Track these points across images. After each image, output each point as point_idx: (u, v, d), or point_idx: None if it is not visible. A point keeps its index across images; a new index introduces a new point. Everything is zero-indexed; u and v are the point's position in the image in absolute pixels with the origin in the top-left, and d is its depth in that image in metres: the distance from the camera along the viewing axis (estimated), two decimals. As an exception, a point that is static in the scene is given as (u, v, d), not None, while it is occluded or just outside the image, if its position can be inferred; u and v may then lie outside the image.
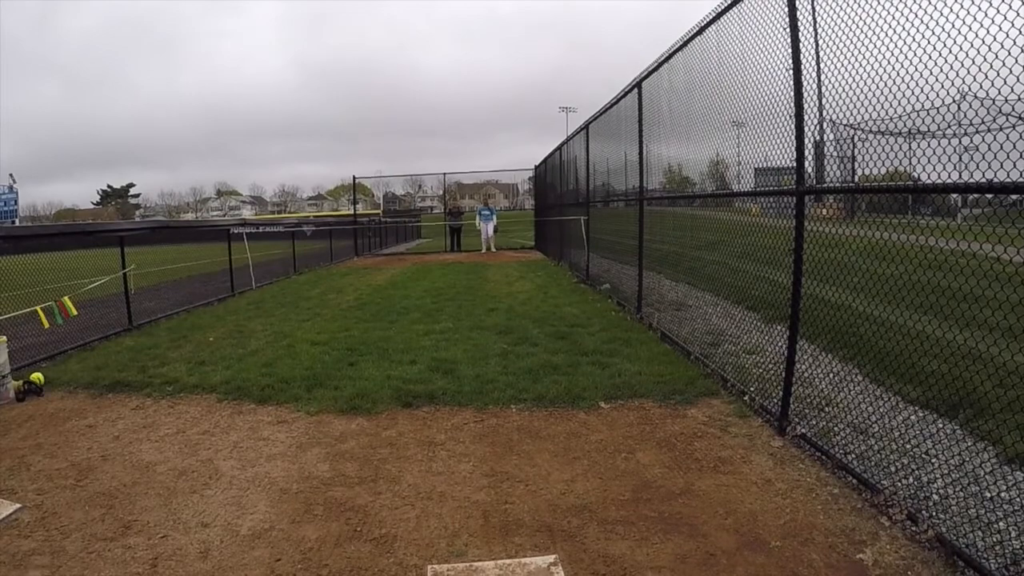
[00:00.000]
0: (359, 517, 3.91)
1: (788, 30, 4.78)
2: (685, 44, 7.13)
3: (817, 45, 4.54)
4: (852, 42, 4.00)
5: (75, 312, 8.30)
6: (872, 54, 3.78)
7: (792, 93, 4.75)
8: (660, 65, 8.15)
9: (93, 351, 8.66)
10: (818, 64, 4.53)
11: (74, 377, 7.18)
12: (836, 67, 4.20)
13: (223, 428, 5.51)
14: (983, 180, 3.08)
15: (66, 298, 8.17)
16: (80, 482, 4.53)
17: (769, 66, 5.14)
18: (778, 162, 5.23)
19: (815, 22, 4.55)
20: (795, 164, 4.78)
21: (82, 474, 4.66)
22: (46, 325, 7.84)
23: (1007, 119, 3.05)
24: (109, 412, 6.03)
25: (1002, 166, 2.92)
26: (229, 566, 3.43)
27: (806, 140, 4.73)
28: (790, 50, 4.76)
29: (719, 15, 6.09)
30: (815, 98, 4.61)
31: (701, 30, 6.59)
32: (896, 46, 3.56)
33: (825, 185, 4.82)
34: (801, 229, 4.78)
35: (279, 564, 3.43)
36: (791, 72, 4.75)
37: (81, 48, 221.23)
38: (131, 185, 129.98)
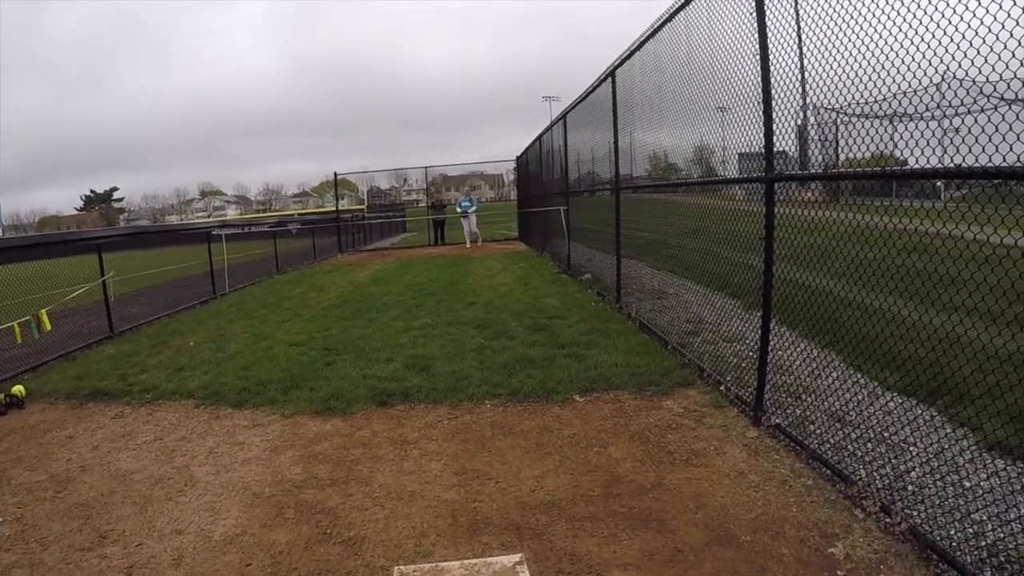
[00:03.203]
0: (329, 519, 3.98)
1: (755, 14, 4.75)
2: (655, 32, 7.05)
3: (799, 28, 4.46)
4: (834, 25, 3.90)
5: (49, 327, 8.35)
6: (854, 37, 3.72)
7: (759, 80, 4.71)
8: (632, 53, 8.09)
9: (75, 361, 8.70)
10: (800, 48, 4.41)
11: (55, 388, 7.23)
12: (818, 50, 4.09)
13: (200, 434, 5.58)
14: (951, 165, 3.08)
15: (43, 311, 8.22)
16: (59, 494, 4.60)
17: (737, 53, 5.11)
18: (752, 148, 5.13)
19: (796, 4, 4.46)
20: (764, 151, 4.75)
21: (61, 486, 4.73)
22: (19, 340, 7.88)
23: (988, 100, 2.99)
24: (89, 422, 6.10)
25: (984, 149, 2.88)
26: (201, 572, 3.51)
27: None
28: (757, 36, 4.73)
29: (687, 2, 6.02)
30: (797, 83, 4.48)
31: (670, 17, 6.51)
32: (876, 29, 3.51)
33: (794, 172, 4.76)
34: (771, 216, 4.75)
35: (249, 569, 3.51)
36: (758, 59, 4.72)
37: (62, 52, 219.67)
38: (114, 189, 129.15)
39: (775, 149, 4.76)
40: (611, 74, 9.21)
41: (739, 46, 5.08)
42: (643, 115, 8.29)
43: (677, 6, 6.28)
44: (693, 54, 6.12)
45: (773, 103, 4.65)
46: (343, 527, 3.89)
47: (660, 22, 6.81)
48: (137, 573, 3.55)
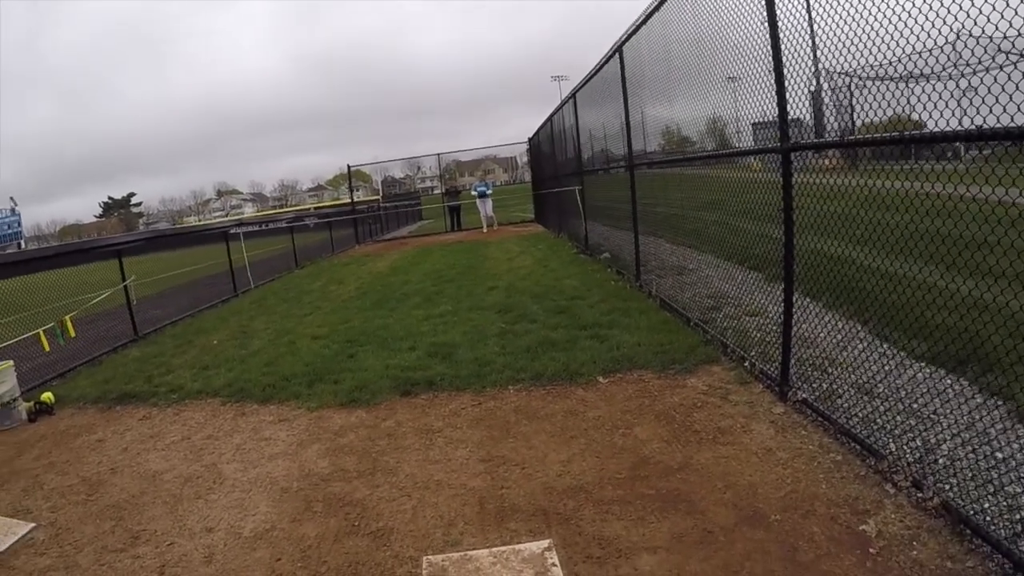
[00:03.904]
0: (357, 511, 3.99)
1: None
2: (660, 5, 6.93)
3: (772, 9, 4.46)
4: None
5: (73, 333, 8.44)
6: None
7: (770, 48, 4.60)
8: (638, 28, 7.95)
9: (101, 365, 8.80)
10: (809, 12, 4.27)
11: (83, 393, 7.31)
12: (828, 13, 3.95)
13: (226, 431, 5.63)
14: (972, 127, 2.95)
15: (67, 318, 8.31)
16: (91, 497, 4.66)
17: (745, 18, 4.98)
18: (765, 118, 5.01)
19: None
20: (778, 120, 4.63)
21: (92, 489, 4.79)
22: (46, 348, 7.99)
23: (1007, 57, 2.86)
24: (117, 425, 6.17)
25: (1004, 109, 2.77)
26: (232, 568, 3.54)
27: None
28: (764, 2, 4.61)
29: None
30: (808, 48, 4.37)
31: None
32: None
33: (811, 140, 4.65)
34: (789, 186, 4.62)
35: (280, 563, 3.54)
36: (766, 25, 4.60)
37: (70, 62, 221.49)
38: (132, 194, 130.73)
39: (790, 117, 4.63)
40: (618, 50, 9.08)
41: (747, 10, 4.95)
42: (653, 90, 8.15)
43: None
44: (700, 23, 6.00)
45: (784, 70, 4.53)
46: (371, 518, 3.90)
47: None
48: (169, 572, 3.59)
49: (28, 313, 9.44)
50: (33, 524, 4.32)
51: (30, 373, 8.01)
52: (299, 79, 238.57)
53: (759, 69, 4.87)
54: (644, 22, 7.67)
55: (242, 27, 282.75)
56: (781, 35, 4.53)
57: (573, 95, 14.04)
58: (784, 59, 4.53)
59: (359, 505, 4.08)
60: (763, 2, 4.63)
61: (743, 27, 5.05)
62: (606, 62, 10.18)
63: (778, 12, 4.52)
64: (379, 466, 4.60)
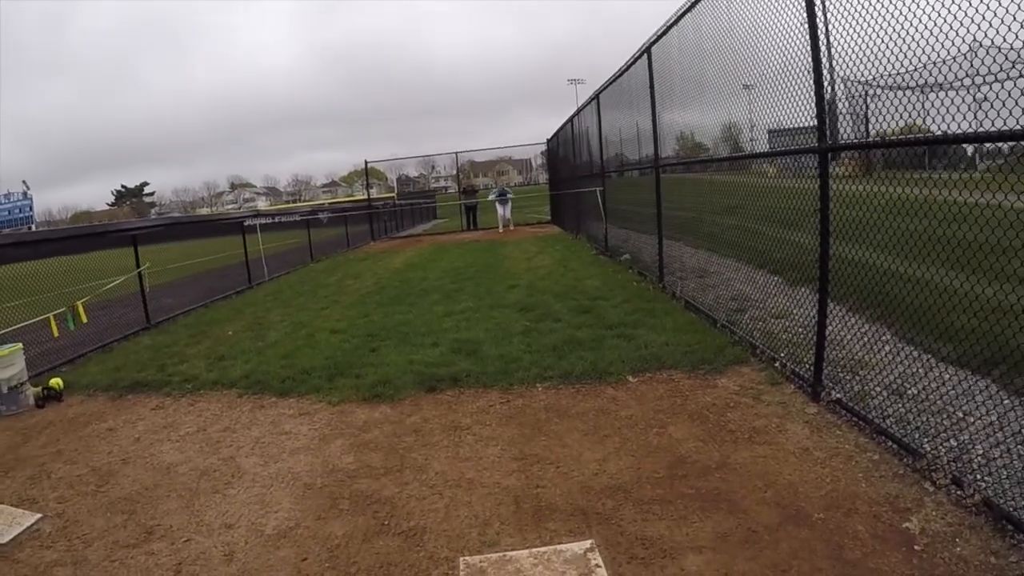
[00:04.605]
0: (386, 510, 3.78)
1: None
2: (692, 5, 6.91)
3: (812, 8, 4.51)
4: None
5: (85, 319, 8.24)
6: (882, 6, 3.68)
7: (809, 47, 4.58)
8: (668, 29, 7.91)
9: (112, 352, 8.61)
10: (825, 20, 4.43)
11: (93, 380, 7.11)
12: (846, 22, 4.11)
13: (244, 424, 5.41)
14: (1018, 127, 2.92)
15: (79, 303, 8.11)
16: (101, 488, 4.44)
17: (783, 19, 4.98)
18: (792, 123, 5.12)
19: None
20: (816, 121, 4.62)
21: (103, 479, 4.57)
22: (55, 334, 7.77)
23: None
24: (129, 414, 5.95)
25: (1018, 120, 2.84)
26: (255, 568, 3.31)
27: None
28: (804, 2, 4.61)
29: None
30: (825, 55, 4.47)
31: None
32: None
33: (850, 141, 4.61)
34: (826, 188, 4.62)
35: (305, 564, 3.31)
36: (806, 25, 4.59)
37: (90, 49, 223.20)
38: (145, 184, 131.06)
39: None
40: (647, 51, 9.03)
41: (784, 12, 4.95)
42: (682, 91, 8.08)
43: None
44: (735, 24, 5.97)
45: (823, 70, 4.53)
46: (401, 517, 3.68)
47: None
48: (187, 570, 3.36)
49: (39, 297, 9.24)
50: (39, 515, 4.09)
51: (39, 358, 7.81)
52: (317, 76, 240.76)
53: (798, 67, 4.86)
54: (674, 24, 7.67)
55: (263, 23, 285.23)
56: (820, 35, 4.54)
57: (596, 96, 13.92)
58: (823, 58, 4.56)
59: (388, 503, 3.86)
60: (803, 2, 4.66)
61: (780, 24, 5.08)
62: (633, 63, 10.14)
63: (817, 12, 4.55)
64: (407, 463, 4.38)
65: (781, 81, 5.11)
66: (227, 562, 3.39)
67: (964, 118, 3.25)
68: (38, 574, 3.45)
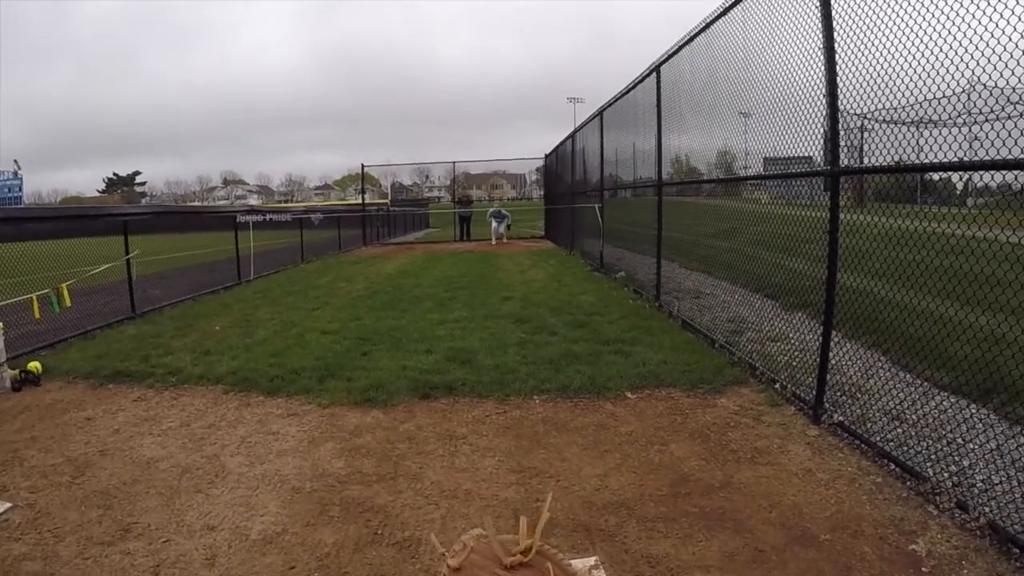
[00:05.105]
0: (379, 518, 3.60)
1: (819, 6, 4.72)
2: (707, 27, 6.93)
3: (830, 33, 4.57)
4: (864, 32, 4.06)
5: (69, 303, 8.01)
6: (883, 44, 3.84)
7: (824, 71, 4.62)
8: (680, 48, 7.91)
9: (94, 339, 8.36)
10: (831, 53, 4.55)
11: (74, 366, 6.86)
12: (848, 56, 4.30)
13: (230, 421, 5.20)
14: None
15: (64, 286, 7.88)
16: (76, 479, 4.22)
17: (800, 44, 5.02)
18: (792, 151, 5.34)
19: (828, 9, 4.57)
20: (830, 145, 4.64)
21: (79, 471, 4.34)
22: (37, 316, 7.53)
23: (1015, 108, 3.08)
24: (109, 404, 5.72)
25: (1010, 151, 3.01)
26: (238, 574, 3.11)
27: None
28: (821, 23, 4.65)
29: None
30: (860, 82, 4.46)
31: (725, 11, 6.44)
32: (906, 36, 3.62)
33: (864, 164, 4.66)
34: (836, 212, 4.65)
35: (293, 572, 3.12)
36: (822, 51, 4.63)
37: (89, 34, 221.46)
38: (137, 173, 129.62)
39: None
40: (656, 70, 9.03)
41: (803, 33, 5.00)
42: (692, 113, 8.05)
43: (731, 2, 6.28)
44: (750, 47, 6.02)
45: (839, 93, 4.57)
46: (395, 527, 3.51)
47: (714, 16, 6.73)
48: (165, 573, 3.15)
49: (21, 279, 8.97)
50: (9, 504, 3.86)
51: (18, 340, 7.55)
52: (316, 77, 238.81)
53: (812, 90, 4.93)
54: (686, 44, 7.71)
55: (265, 20, 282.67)
56: (838, 58, 4.58)
57: (600, 113, 13.89)
58: (839, 82, 4.60)
59: (381, 512, 3.67)
60: (820, 26, 4.71)
61: (797, 47, 5.16)
62: (640, 81, 10.15)
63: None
64: (401, 471, 4.20)
65: (796, 103, 5.15)
66: (208, 566, 3.18)
67: (958, 153, 3.45)
68: (4, 567, 3.23)
